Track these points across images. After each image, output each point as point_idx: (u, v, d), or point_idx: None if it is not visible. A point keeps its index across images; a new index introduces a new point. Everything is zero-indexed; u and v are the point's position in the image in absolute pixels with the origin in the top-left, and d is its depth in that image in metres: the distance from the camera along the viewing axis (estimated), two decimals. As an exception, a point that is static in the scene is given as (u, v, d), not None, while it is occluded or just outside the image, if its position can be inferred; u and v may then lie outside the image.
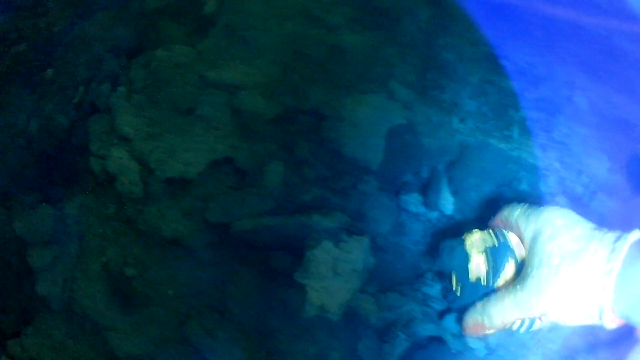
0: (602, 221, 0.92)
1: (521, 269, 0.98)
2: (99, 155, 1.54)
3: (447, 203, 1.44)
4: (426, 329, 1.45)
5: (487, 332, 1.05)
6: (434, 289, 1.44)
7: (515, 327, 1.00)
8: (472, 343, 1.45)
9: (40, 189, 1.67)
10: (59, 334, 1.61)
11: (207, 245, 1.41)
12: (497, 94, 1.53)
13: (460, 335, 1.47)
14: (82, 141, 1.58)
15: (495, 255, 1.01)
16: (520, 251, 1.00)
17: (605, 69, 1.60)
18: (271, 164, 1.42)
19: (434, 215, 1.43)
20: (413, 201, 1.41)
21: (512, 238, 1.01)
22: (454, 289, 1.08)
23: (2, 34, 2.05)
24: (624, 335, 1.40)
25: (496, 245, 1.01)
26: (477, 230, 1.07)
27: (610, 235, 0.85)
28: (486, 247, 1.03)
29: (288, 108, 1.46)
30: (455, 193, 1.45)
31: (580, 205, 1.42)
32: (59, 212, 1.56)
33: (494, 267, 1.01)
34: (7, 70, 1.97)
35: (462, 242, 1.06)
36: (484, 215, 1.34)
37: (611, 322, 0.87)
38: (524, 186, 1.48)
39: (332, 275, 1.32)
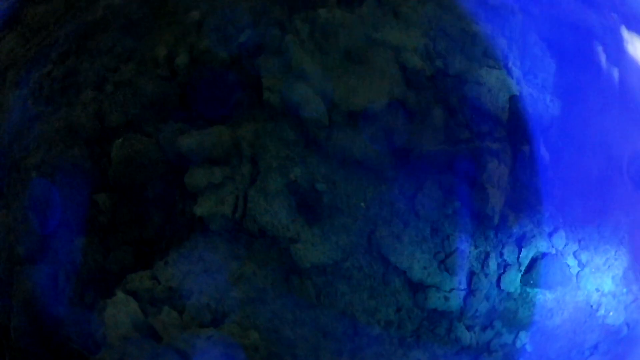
0: None
1: None
2: (275, 89, 1.68)
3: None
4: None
5: None
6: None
7: None
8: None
9: (185, 118, 1.70)
10: (215, 257, 1.62)
11: (393, 166, 1.65)
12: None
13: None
14: (250, 77, 1.70)
15: None
16: None
17: None
18: (434, 109, 1.75)
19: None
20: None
21: None
22: None
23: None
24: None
25: None
26: None
27: None
28: None
29: (438, 70, 1.82)
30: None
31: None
32: (234, 133, 1.63)
33: None
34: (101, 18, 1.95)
35: None
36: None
37: None
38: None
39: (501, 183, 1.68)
